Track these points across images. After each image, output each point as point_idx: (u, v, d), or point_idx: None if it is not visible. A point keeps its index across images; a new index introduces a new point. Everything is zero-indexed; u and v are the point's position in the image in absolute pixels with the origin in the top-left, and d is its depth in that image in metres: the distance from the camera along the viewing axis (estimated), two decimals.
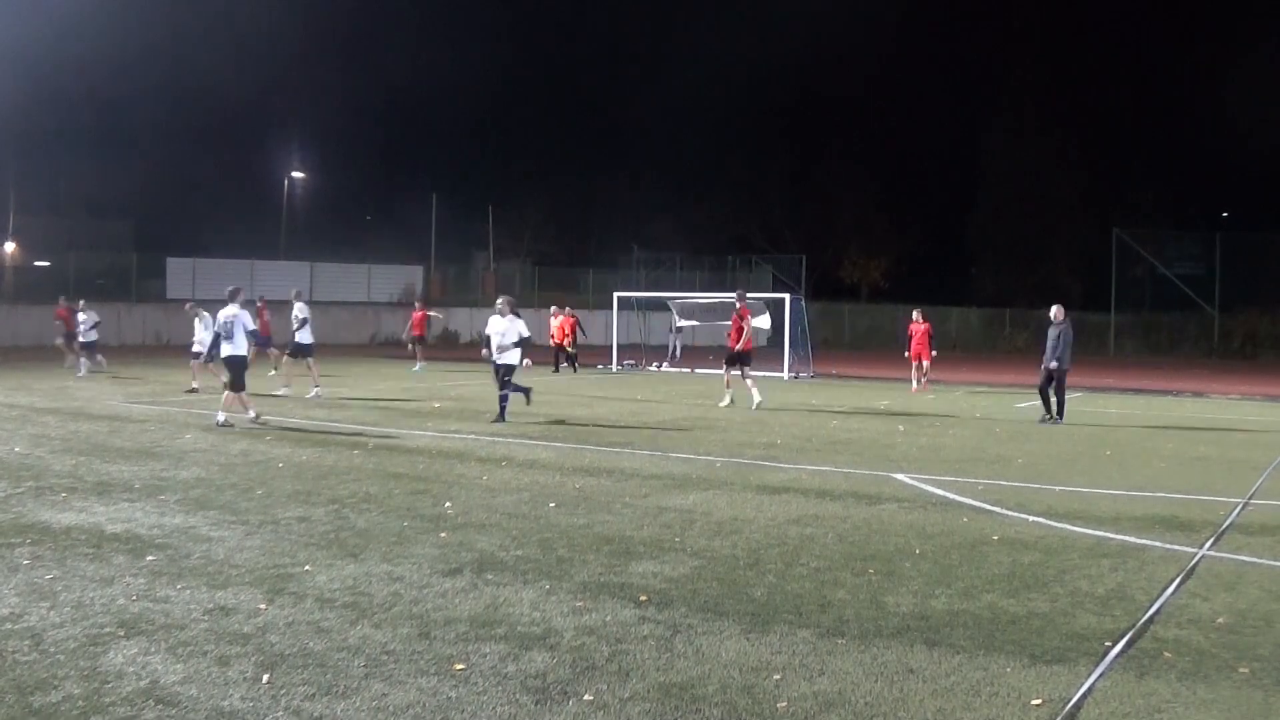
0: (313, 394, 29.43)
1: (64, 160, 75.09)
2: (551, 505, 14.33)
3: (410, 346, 46.73)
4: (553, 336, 44.39)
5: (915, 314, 37.73)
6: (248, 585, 10.02)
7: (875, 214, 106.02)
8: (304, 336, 30.64)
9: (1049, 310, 27.32)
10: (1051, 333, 26.75)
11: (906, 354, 37.99)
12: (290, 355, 31.20)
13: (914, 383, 36.71)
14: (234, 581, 10.14)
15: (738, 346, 29.21)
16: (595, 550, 11.71)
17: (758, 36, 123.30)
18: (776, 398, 33.19)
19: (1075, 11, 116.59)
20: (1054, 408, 26.61)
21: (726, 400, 30.06)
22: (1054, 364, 26.37)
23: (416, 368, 43.63)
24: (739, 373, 29.78)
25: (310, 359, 30.64)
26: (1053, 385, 26.65)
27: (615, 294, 51.37)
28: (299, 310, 30.66)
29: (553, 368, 43.30)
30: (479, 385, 35.33)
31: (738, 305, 29.87)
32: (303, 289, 31.78)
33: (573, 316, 45.31)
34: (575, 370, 43.46)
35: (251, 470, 16.90)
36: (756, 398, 28.83)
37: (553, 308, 44.82)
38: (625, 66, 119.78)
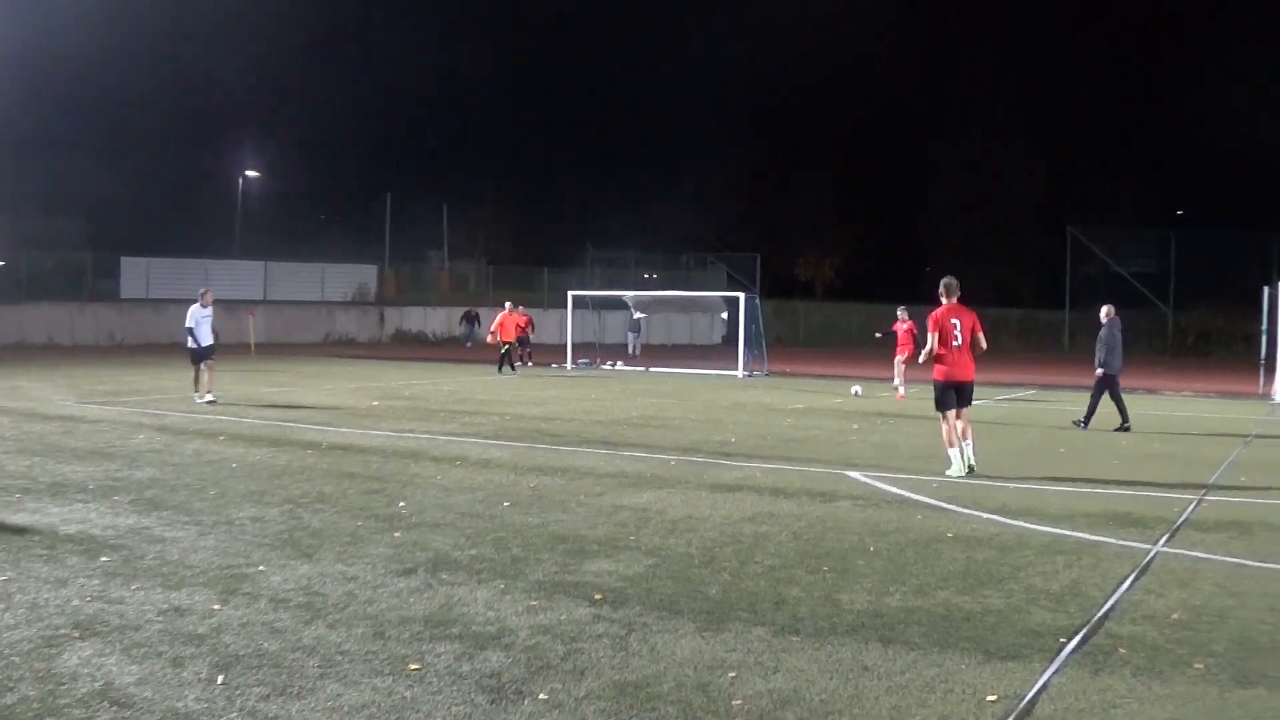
0: (205, 399, 27.72)
1: (17, 159, 74.67)
2: (506, 504, 14.32)
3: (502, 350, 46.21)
4: (493, 334, 43.99)
5: (900, 311, 35.67)
6: (202, 586, 9.97)
7: (829, 212, 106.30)
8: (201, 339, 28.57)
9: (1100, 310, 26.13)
10: (1098, 336, 25.64)
11: (879, 335, 37.51)
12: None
13: (899, 386, 34.63)
14: (188, 582, 10.09)
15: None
16: (550, 549, 11.70)
17: (713, 38, 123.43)
18: (730, 396, 33.32)
19: (1030, 10, 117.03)
20: (1125, 412, 25.26)
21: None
22: (1098, 370, 25.36)
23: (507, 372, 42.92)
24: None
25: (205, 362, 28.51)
26: (1105, 391, 25.46)
27: (569, 293, 51.32)
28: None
29: (498, 367, 42.88)
30: (431, 384, 35.34)
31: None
32: (208, 289, 29.66)
33: (525, 315, 45.10)
34: (514, 370, 42.83)
35: (205, 470, 16.84)
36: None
37: (506, 304, 44.37)
38: (581, 67, 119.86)
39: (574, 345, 50.33)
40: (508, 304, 44.14)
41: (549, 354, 48.92)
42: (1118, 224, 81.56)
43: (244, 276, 66.31)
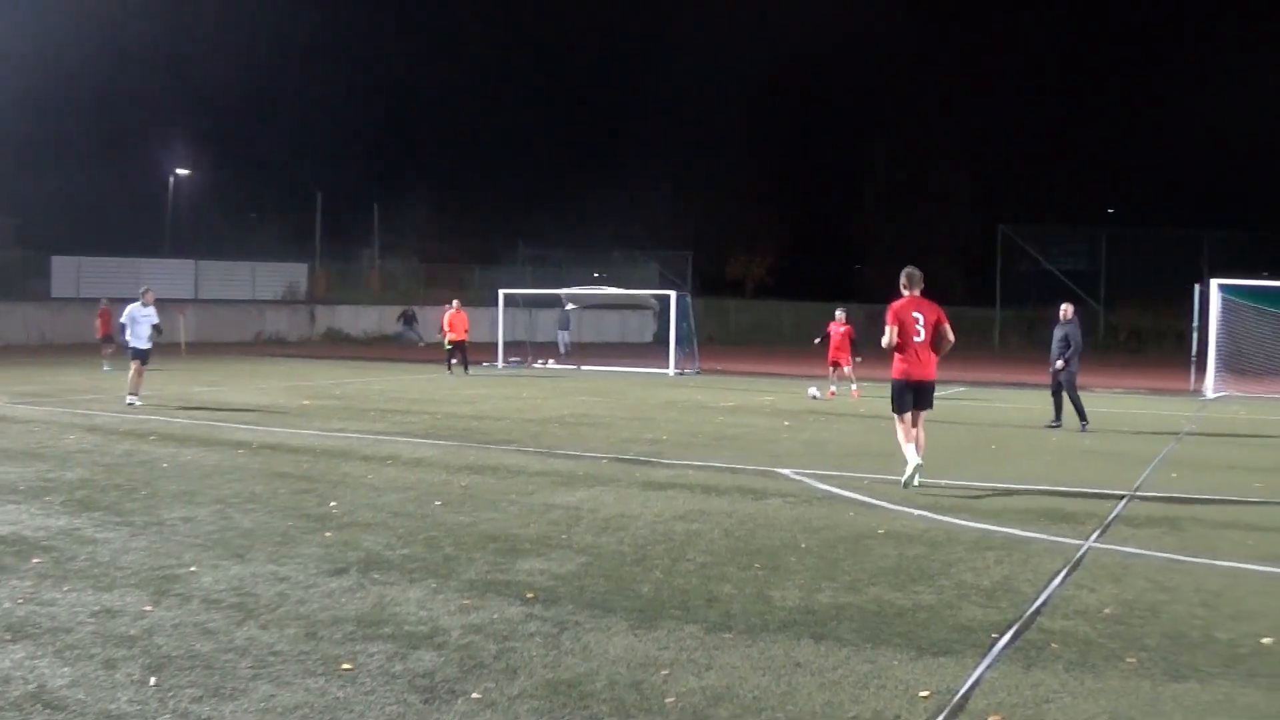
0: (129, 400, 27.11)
1: None
2: (437, 503, 14.30)
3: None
4: (443, 331, 43.57)
5: (838, 313, 34.58)
6: (134, 587, 9.92)
7: (761, 210, 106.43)
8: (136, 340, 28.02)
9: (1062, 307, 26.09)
10: (1056, 333, 25.63)
11: (818, 340, 35.30)
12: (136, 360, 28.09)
13: (830, 386, 34.01)
14: (120, 583, 10.04)
15: None
16: (481, 548, 11.69)
17: (647, 36, 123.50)
18: (662, 394, 33.36)
19: (961, 8, 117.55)
20: (1061, 412, 25.65)
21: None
22: (1060, 364, 25.21)
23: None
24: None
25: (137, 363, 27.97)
26: (1063, 389, 25.47)
27: (501, 291, 51.21)
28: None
29: (447, 366, 42.39)
30: (362, 383, 35.26)
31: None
32: (149, 288, 29.58)
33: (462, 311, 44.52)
34: (465, 370, 42.33)
35: (136, 471, 16.74)
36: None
37: (454, 302, 43.78)
38: (511, 64, 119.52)
39: (505, 344, 50.23)
40: (454, 302, 43.67)
41: (480, 353, 48.76)
42: (1048, 222, 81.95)
43: (175, 275, 65.96)
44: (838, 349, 33.44)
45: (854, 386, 33.75)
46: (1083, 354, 25.20)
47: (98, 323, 43.67)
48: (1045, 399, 26.32)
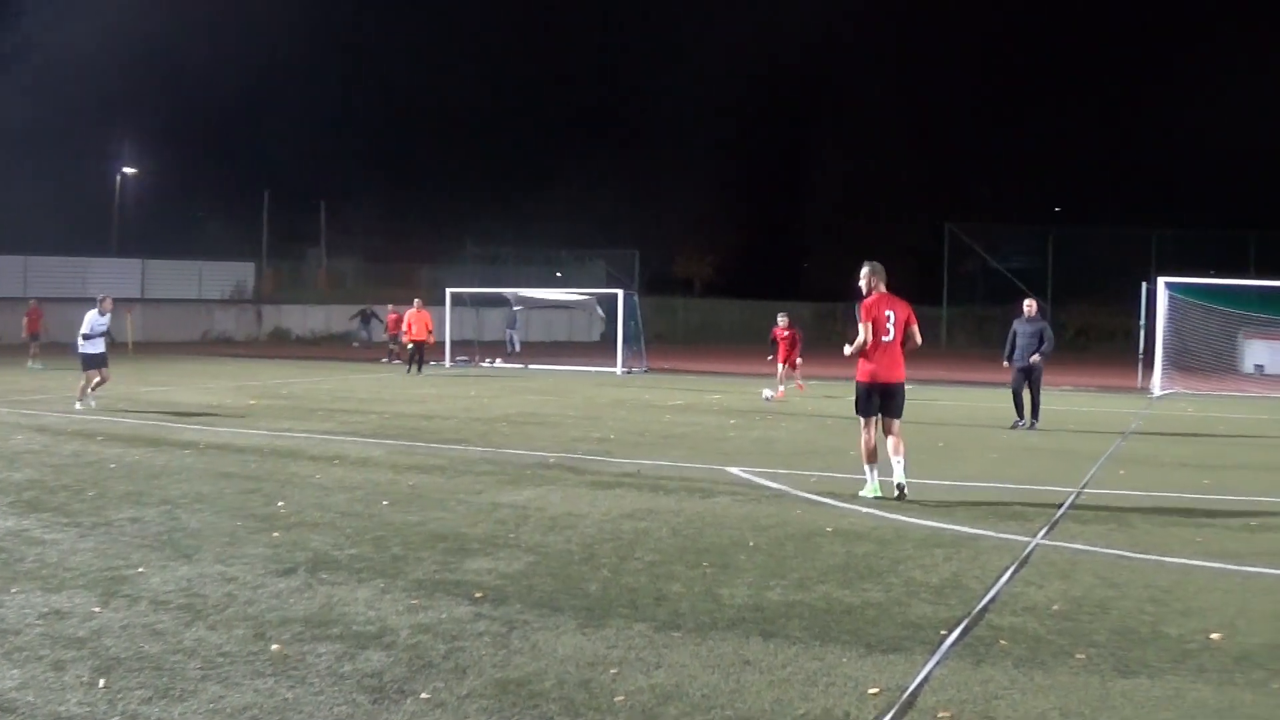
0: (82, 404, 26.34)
1: None
2: (385, 503, 14.28)
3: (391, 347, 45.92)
4: (403, 332, 43.33)
5: (781, 318, 34.56)
6: (82, 588, 9.87)
7: (707, 209, 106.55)
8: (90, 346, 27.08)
9: (1025, 303, 25.93)
10: (1026, 328, 25.12)
11: (770, 357, 34.65)
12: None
13: (779, 386, 33.17)
14: (68, 585, 9.99)
15: None
16: (429, 548, 11.67)
17: (595, 33, 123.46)
18: (610, 393, 33.42)
19: (909, 6, 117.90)
20: (1028, 411, 25.11)
21: None
22: (1036, 358, 24.74)
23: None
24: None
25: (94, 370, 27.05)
26: (1026, 386, 25.04)
27: (448, 289, 51.12)
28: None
29: (408, 367, 42.47)
30: (310, 383, 35.17)
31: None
32: (108, 295, 28.80)
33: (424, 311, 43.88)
34: (420, 370, 42.10)
35: (83, 472, 16.66)
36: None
37: (416, 302, 43.45)
38: (456, 62, 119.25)
39: (453, 343, 50.16)
40: (416, 301, 43.44)
41: (428, 352, 48.65)
42: (995, 220, 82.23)
43: (122, 275, 65.63)
44: (787, 353, 33.32)
45: (798, 382, 34.35)
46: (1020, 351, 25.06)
47: (25, 320, 43.91)
48: (993, 396, 26.45)
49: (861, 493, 15.30)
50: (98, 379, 27.03)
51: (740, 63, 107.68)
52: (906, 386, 15.76)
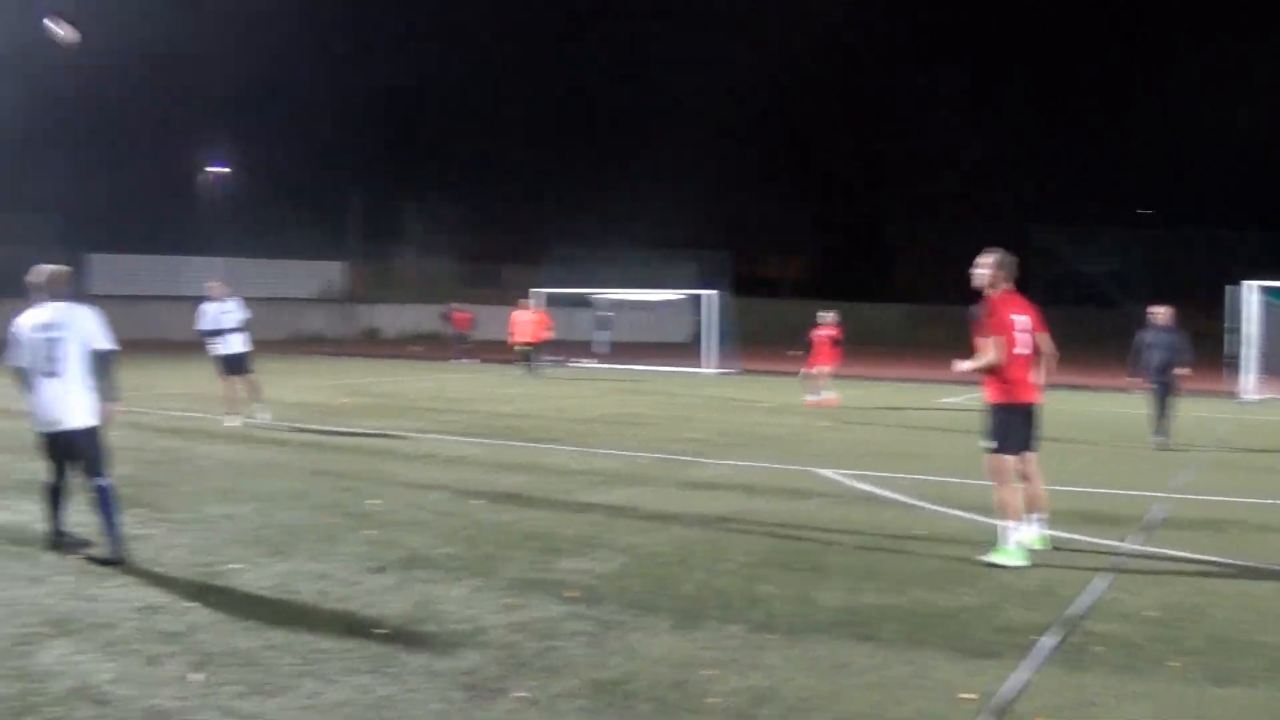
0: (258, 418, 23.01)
1: None
2: (477, 502, 14.29)
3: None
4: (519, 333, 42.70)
5: (825, 315, 32.18)
6: (176, 583, 9.96)
7: (797, 210, 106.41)
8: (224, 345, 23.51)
9: (1151, 310, 23.00)
10: (1160, 338, 22.38)
11: (798, 354, 33.58)
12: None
13: (823, 391, 31.17)
14: (162, 580, 10.08)
15: None
16: (522, 547, 11.68)
17: (680, 30, 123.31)
18: (701, 393, 33.38)
19: (994, 9, 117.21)
20: (1162, 424, 22.27)
21: None
22: (1182, 370, 22.18)
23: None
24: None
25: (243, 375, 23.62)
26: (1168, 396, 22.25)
27: (541, 290, 51.03)
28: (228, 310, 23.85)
29: (522, 368, 41.45)
30: (401, 381, 35.33)
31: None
32: (218, 280, 25.44)
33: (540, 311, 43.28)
34: (532, 372, 41.10)
35: (176, 468, 16.81)
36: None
37: (527, 303, 43.00)
38: (551, 66, 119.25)
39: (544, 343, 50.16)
40: (530, 302, 42.92)
41: (516, 352, 48.59)
42: (1081, 223, 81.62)
43: (209, 274, 66.09)
44: (821, 355, 31.41)
45: (831, 394, 31.30)
46: (1123, 355, 24.13)
47: None
48: (1077, 400, 26.12)
49: (994, 558, 11.51)
50: (242, 388, 23.31)
51: (827, 61, 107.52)
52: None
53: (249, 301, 24.01)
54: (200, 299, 23.92)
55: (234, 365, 23.29)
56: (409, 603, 9.46)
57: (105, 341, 10.97)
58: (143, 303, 48.86)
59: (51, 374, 10.72)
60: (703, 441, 21.23)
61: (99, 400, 11.02)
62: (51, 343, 10.75)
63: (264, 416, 22.90)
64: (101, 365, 11.00)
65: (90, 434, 10.96)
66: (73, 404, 10.82)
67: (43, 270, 11.12)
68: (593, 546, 11.80)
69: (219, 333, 23.38)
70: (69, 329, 10.85)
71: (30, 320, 10.91)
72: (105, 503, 10.82)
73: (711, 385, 38.02)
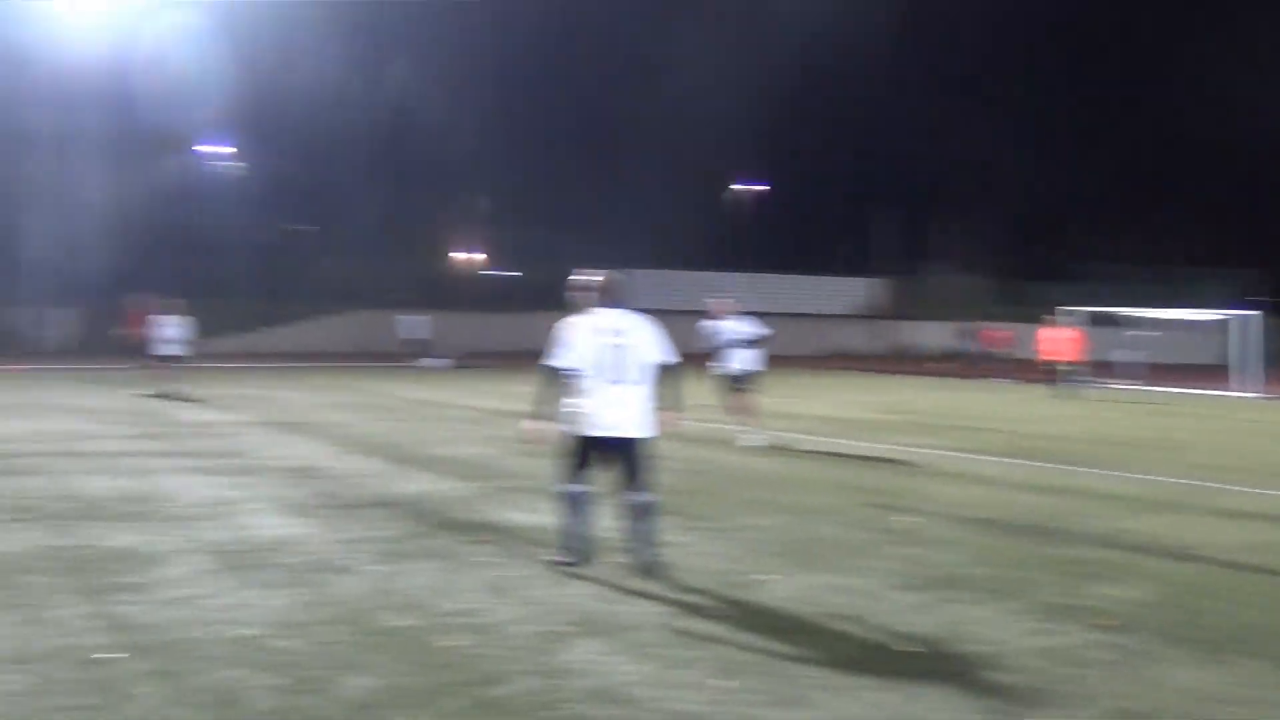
0: (756, 440, 21.83)
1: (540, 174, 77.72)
2: (1010, 522, 14.25)
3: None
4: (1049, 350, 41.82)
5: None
6: (704, 591, 10.25)
7: None
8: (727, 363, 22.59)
9: None
10: None
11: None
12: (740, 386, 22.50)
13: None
14: (691, 587, 10.40)
15: None
16: (1051, 570, 11.56)
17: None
18: (1235, 418, 32.27)
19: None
20: None
21: None
22: None
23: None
24: None
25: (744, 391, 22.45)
26: None
27: (1083, 309, 49.55)
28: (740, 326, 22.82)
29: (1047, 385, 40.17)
30: (933, 398, 35.30)
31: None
32: (726, 296, 24.28)
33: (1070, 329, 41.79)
34: (1065, 390, 40.30)
35: (706, 477, 17.22)
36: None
37: (1055, 319, 42.02)
38: (1081, 80, 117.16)
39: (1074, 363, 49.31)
40: (1053, 319, 42.02)
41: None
42: None
43: (736, 289, 67.29)
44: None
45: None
46: None
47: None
48: None
49: None
50: (742, 403, 22.33)
51: None
52: None
53: (772, 318, 23.98)
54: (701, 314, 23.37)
55: (736, 382, 22.39)
56: (936, 622, 9.49)
57: (669, 353, 11.30)
58: (669, 316, 50.01)
59: (618, 380, 10.97)
60: (1237, 469, 20.50)
61: (661, 409, 11.33)
62: (619, 349, 11.01)
63: (757, 439, 21.81)
64: (670, 376, 11.33)
65: (644, 445, 11.25)
66: (635, 413, 11.09)
67: (599, 276, 11.45)
68: (1121, 573, 11.56)
69: (717, 350, 22.65)
70: (634, 336, 11.14)
71: (592, 324, 11.16)
72: (647, 514, 11.06)
73: (1246, 409, 36.70)
